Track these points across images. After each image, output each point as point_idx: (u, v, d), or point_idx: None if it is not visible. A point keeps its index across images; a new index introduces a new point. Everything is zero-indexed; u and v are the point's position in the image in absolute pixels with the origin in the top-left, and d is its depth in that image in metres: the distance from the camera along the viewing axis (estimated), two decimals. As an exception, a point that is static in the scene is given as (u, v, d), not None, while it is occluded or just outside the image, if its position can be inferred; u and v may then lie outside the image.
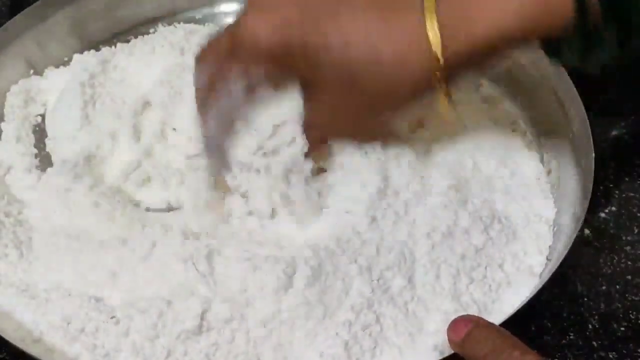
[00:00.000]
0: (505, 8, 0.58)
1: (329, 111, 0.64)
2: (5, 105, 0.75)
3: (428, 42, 0.59)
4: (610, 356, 0.64)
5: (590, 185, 0.64)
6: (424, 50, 0.59)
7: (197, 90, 0.65)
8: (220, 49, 0.63)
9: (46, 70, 0.78)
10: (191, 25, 0.83)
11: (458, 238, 0.64)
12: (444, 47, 0.59)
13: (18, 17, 0.76)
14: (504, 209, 0.68)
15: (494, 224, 0.66)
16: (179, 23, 0.83)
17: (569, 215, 0.66)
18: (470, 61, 0.61)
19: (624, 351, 0.64)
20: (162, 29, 0.82)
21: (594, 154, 0.65)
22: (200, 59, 0.65)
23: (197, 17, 0.83)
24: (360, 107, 0.63)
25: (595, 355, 0.64)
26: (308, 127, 0.65)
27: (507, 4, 0.58)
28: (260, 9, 0.61)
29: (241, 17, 0.62)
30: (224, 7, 0.84)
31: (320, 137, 0.66)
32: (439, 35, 0.59)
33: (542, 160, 0.71)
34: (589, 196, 0.63)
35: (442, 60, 0.59)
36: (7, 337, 0.58)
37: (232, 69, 0.62)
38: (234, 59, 0.62)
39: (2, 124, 0.75)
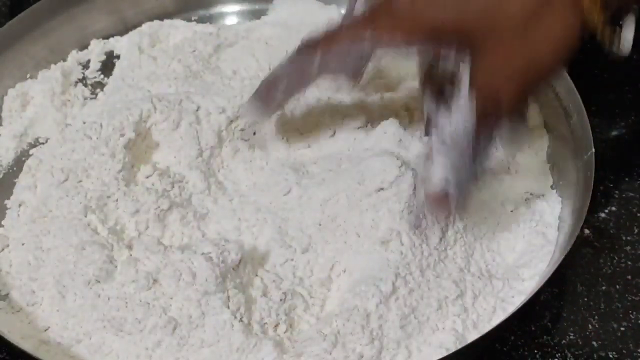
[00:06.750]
0: None
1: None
2: (2, 109, 0.75)
3: None
4: (610, 356, 0.64)
5: (591, 186, 0.64)
6: None
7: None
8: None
9: (41, 72, 0.77)
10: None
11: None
12: None
13: (18, 17, 0.76)
14: (513, 207, 0.68)
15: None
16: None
17: (569, 215, 0.66)
18: None
19: (624, 351, 0.64)
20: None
21: (593, 154, 0.65)
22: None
23: (192, 19, 0.83)
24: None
25: (595, 355, 0.64)
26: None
27: None
28: None
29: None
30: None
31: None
32: None
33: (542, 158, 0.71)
34: (589, 196, 0.63)
35: None
36: (7, 337, 0.58)
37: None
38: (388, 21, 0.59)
39: (0, 128, 0.75)
